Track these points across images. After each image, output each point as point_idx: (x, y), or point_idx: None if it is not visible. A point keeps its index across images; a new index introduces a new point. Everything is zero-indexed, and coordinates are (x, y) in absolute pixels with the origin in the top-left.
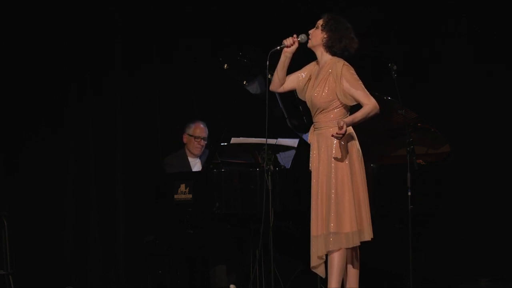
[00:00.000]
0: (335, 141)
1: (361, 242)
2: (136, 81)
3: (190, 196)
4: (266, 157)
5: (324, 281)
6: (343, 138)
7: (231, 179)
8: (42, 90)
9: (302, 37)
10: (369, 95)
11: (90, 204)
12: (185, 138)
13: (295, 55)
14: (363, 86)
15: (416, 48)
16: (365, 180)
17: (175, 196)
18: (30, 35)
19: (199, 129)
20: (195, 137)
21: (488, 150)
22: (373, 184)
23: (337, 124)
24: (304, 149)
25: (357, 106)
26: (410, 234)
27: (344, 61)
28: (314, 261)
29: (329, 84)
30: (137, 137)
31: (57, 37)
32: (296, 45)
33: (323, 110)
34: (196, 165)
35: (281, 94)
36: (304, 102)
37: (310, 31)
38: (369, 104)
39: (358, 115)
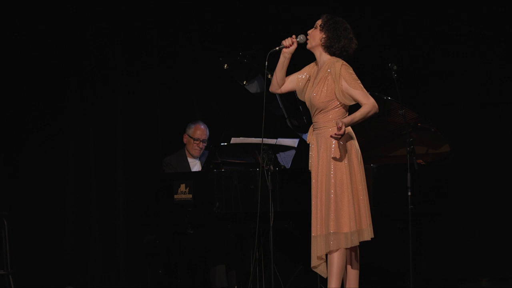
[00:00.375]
0: (334, 141)
1: (361, 242)
2: (136, 81)
3: (190, 196)
4: (265, 157)
5: (324, 281)
6: (342, 138)
7: (231, 179)
8: (42, 91)
9: (301, 37)
10: (368, 94)
11: (90, 204)
12: (185, 139)
13: (294, 57)
14: (362, 85)
15: (416, 48)
16: (365, 180)
17: (175, 196)
18: (30, 35)
19: (199, 131)
20: (194, 139)
21: (488, 150)
22: (373, 184)
23: (336, 124)
24: (304, 149)
25: (357, 106)
26: (410, 234)
27: (343, 61)
28: (314, 261)
29: (328, 84)
30: (137, 137)
31: (57, 37)
32: (295, 46)
33: (322, 110)
34: (195, 165)
35: (281, 94)
36: (304, 102)
37: (309, 32)
38: (368, 104)
39: (357, 115)
